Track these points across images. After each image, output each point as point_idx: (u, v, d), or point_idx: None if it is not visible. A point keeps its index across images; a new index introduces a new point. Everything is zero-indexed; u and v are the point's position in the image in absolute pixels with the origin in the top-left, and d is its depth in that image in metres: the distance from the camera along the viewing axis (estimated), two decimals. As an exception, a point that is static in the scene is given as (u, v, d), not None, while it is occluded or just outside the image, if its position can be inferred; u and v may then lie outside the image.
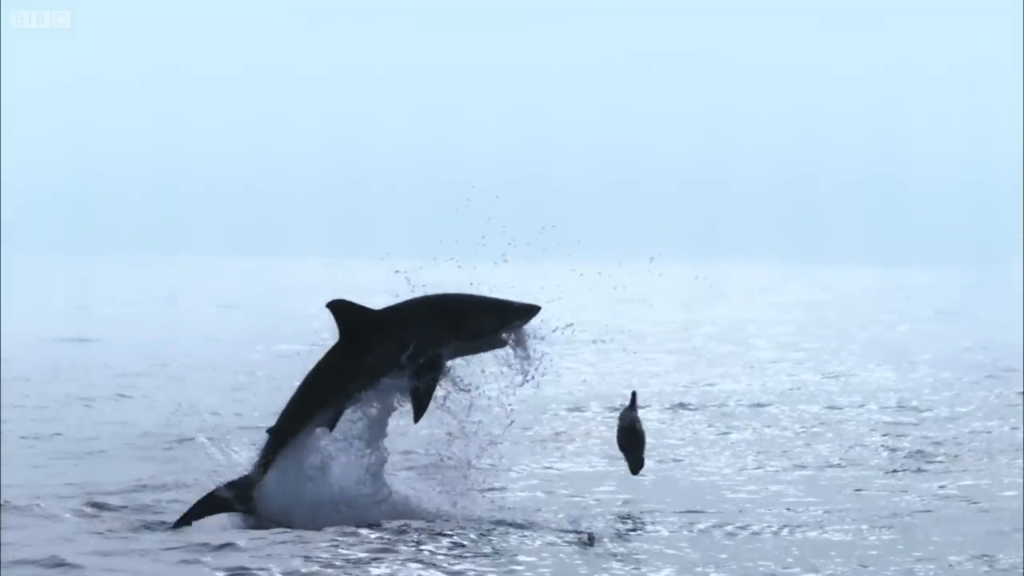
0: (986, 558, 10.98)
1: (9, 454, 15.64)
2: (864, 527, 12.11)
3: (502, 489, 13.53)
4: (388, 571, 10.32)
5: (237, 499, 11.57)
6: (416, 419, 11.42)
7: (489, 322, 11.42)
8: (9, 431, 17.34)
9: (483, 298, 11.51)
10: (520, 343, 11.51)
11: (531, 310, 11.46)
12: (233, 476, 11.68)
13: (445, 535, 11.24)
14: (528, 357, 11.49)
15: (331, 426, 11.51)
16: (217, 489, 11.60)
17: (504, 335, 11.48)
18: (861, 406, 21.14)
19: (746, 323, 44.65)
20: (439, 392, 11.47)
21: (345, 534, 11.13)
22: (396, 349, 11.39)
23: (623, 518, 12.36)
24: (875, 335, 39.48)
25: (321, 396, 11.51)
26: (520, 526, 11.69)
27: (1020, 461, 15.80)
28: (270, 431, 11.60)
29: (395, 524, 11.42)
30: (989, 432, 18.25)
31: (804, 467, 15.57)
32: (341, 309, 11.47)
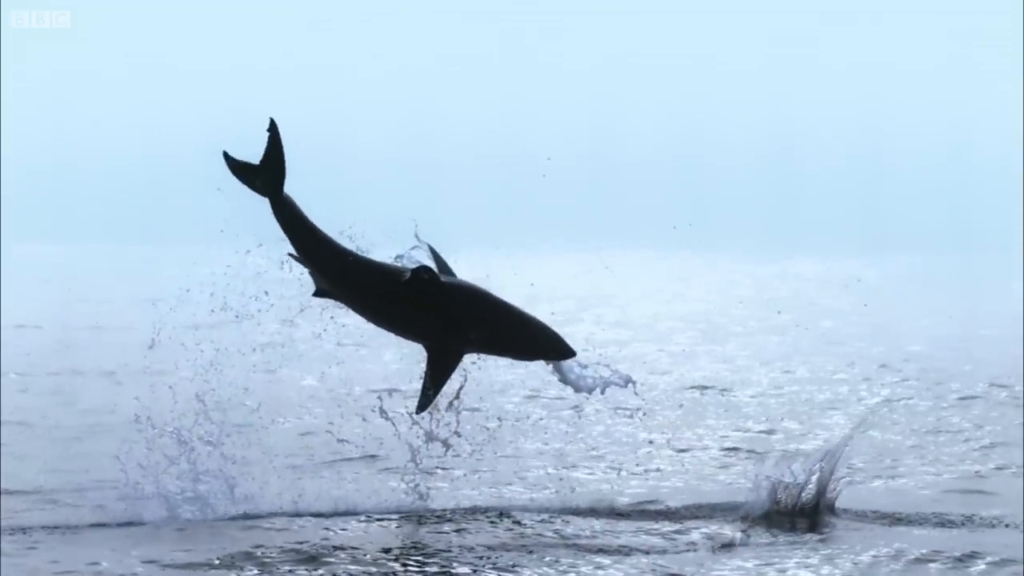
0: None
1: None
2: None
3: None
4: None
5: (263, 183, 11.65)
6: (419, 409, 11.73)
7: (528, 348, 11.77)
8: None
9: (533, 321, 11.73)
10: (560, 373, 11.93)
11: (567, 353, 11.74)
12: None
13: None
14: (566, 382, 11.95)
15: (324, 293, 11.70)
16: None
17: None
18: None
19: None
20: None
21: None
22: (443, 321, 11.61)
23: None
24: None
25: (352, 275, 11.67)
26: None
27: None
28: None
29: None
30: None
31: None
32: (425, 275, 11.58)
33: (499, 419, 13.95)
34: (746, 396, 22.14)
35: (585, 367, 11.97)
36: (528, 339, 11.67)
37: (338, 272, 11.63)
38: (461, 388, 12.27)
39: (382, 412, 12.51)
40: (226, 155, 11.62)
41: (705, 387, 23.05)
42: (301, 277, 11.89)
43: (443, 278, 11.66)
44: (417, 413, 11.84)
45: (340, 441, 13.54)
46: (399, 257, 11.81)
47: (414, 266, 11.64)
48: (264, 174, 11.58)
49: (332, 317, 12.22)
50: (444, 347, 11.62)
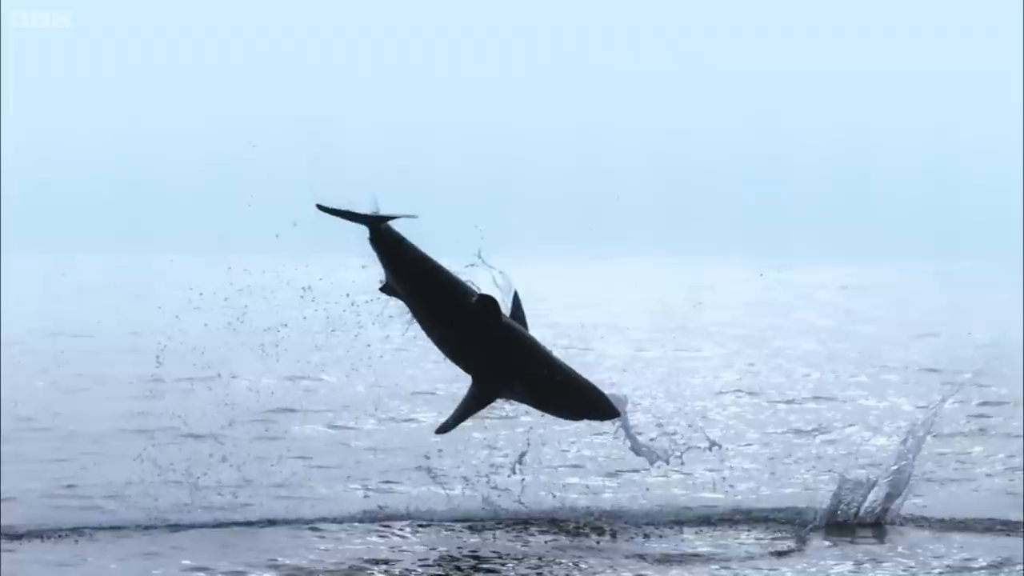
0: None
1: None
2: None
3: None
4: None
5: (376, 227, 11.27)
6: (442, 430, 11.45)
7: (571, 408, 11.43)
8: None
9: (578, 381, 11.37)
10: (631, 439, 11.62)
11: (610, 414, 11.42)
12: None
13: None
14: (637, 452, 11.70)
15: (390, 291, 11.30)
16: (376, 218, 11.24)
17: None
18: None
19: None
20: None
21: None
22: (491, 360, 11.30)
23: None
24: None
25: (428, 288, 11.26)
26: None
27: None
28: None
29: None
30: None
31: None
32: (488, 304, 11.24)
33: (563, 485, 13.90)
34: (792, 401, 22.04)
35: (671, 434, 11.89)
36: (571, 399, 11.35)
37: (412, 277, 11.24)
38: (524, 455, 12.32)
39: (429, 472, 12.65)
40: (320, 208, 11.22)
41: (749, 392, 22.98)
42: (325, 308, 11.73)
43: (505, 319, 11.33)
44: (437, 433, 11.54)
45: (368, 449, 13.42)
46: None
47: (481, 292, 11.26)
48: (373, 218, 11.22)
49: (368, 345, 12.01)
50: (486, 384, 11.35)
